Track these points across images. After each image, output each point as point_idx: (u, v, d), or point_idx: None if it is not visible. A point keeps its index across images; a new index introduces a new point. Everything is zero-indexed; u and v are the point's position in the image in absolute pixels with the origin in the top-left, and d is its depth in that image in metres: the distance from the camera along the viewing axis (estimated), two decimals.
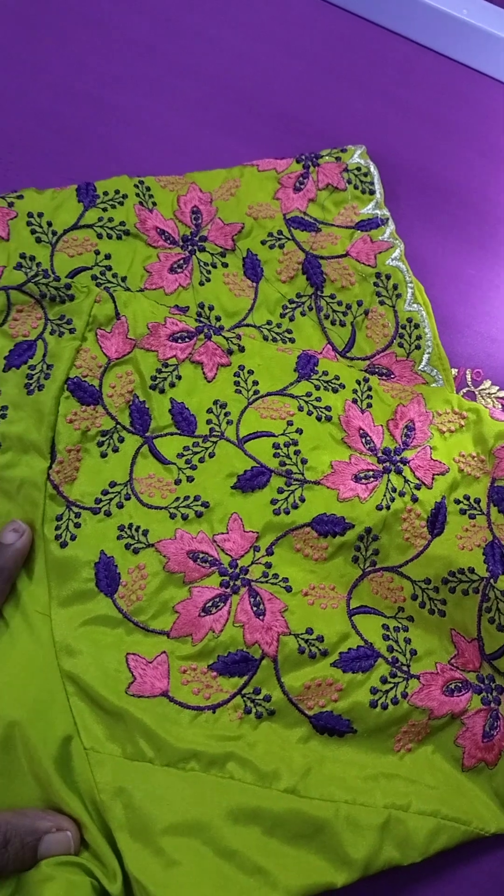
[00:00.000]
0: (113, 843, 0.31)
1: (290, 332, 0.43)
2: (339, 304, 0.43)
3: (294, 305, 0.44)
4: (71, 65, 0.50)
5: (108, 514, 0.37)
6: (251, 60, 0.52)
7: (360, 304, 0.43)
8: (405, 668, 0.35)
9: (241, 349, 0.41)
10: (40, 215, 0.43)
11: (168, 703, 0.33)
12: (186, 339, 0.40)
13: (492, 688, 0.35)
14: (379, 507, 0.38)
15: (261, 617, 0.35)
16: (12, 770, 0.32)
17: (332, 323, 0.43)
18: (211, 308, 0.43)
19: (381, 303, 0.44)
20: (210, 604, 0.35)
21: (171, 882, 0.29)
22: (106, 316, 0.39)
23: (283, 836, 0.31)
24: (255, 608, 0.35)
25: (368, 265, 0.44)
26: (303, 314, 0.43)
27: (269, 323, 0.43)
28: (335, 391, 0.40)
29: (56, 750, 0.32)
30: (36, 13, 0.51)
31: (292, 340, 0.42)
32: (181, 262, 0.43)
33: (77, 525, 0.36)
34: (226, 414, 0.39)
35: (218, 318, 0.42)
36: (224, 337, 0.41)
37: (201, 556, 0.36)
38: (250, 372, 0.40)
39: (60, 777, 0.32)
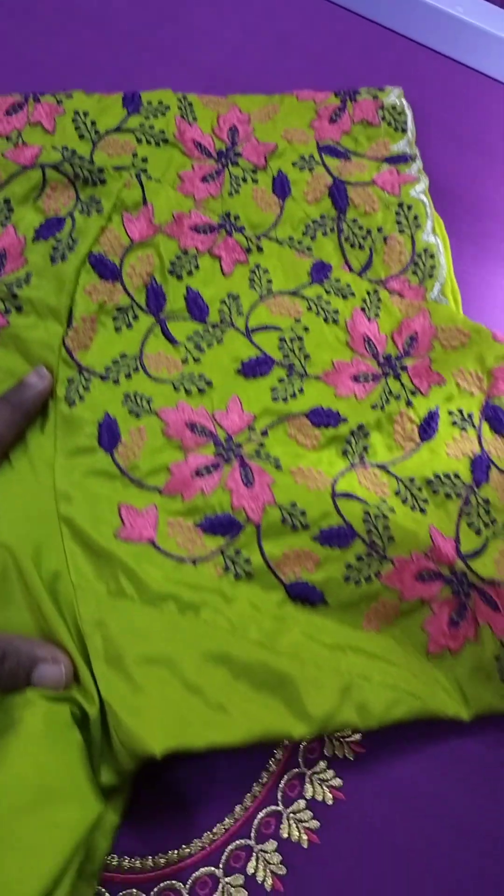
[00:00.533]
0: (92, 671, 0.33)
1: (309, 249, 0.45)
2: (360, 228, 0.45)
3: (317, 225, 0.45)
4: (63, 57, 0.51)
5: (115, 381, 0.39)
6: (245, 54, 0.53)
7: (380, 230, 0.45)
8: (381, 551, 0.36)
9: (260, 249, 0.42)
10: (86, 114, 0.45)
11: (153, 550, 0.35)
12: (208, 233, 0.42)
13: (463, 581, 0.37)
14: (374, 407, 0.39)
15: (249, 486, 0.36)
16: (8, 595, 0.34)
17: (352, 245, 0.45)
18: (236, 218, 0.44)
19: (401, 231, 0.45)
20: (203, 469, 0.37)
21: (137, 705, 0.31)
22: (133, 201, 0.41)
23: (248, 682, 0.33)
24: (244, 479, 0.37)
25: (392, 194, 0.46)
26: (324, 234, 0.45)
27: (290, 238, 0.45)
28: (345, 297, 0.42)
29: (48, 584, 0.34)
30: (30, 6, 0.52)
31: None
32: (214, 173, 0.45)
33: (86, 388, 0.38)
34: (238, 306, 0.41)
35: (242, 228, 0.44)
36: (245, 236, 0.42)
37: (199, 427, 0.38)
38: (265, 271, 0.42)
39: (52, 605, 0.33)
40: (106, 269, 0.40)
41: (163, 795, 0.35)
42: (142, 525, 0.35)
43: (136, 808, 0.34)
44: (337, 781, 0.35)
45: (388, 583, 0.36)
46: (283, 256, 0.43)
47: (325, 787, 0.35)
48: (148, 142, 0.45)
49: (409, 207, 0.46)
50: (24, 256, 0.40)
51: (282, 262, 0.42)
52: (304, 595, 0.35)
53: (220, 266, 0.42)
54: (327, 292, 0.42)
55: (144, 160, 0.44)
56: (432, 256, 0.45)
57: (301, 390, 0.39)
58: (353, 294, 0.42)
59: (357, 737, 0.36)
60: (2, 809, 0.27)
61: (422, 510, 0.38)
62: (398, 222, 0.45)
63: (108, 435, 0.37)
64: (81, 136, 0.44)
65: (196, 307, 0.41)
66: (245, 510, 0.36)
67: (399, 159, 0.47)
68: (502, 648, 0.36)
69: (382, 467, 0.39)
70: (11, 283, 0.39)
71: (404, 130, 0.48)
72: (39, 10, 0.53)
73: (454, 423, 0.40)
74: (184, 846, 0.34)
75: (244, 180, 0.46)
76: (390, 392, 0.40)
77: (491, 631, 0.36)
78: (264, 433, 0.38)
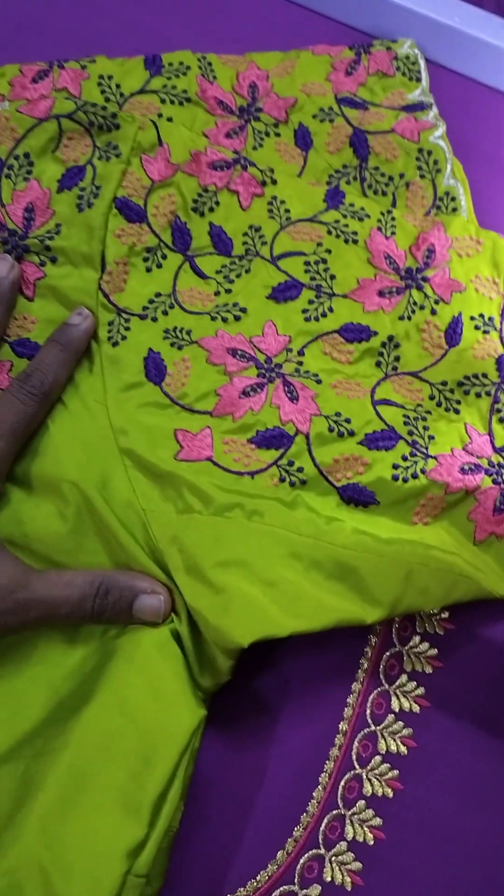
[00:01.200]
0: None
1: None
2: (382, 175, 0.47)
3: (339, 175, 0.47)
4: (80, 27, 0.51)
5: (154, 319, 0.40)
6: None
7: (402, 176, 0.46)
8: (424, 449, 0.38)
9: (274, 182, 0.44)
10: (110, 77, 0.46)
11: (213, 466, 0.37)
12: (224, 168, 0.43)
13: (502, 472, 0.39)
14: (401, 318, 0.41)
15: (294, 401, 0.38)
16: (83, 531, 0.36)
17: (375, 192, 0.46)
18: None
19: (422, 176, 0.47)
20: (249, 388, 0.39)
21: (220, 604, 0.34)
22: (150, 142, 0.42)
23: (318, 573, 0.35)
24: (288, 395, 0.39)
25: (412, 141, 0.47)
26: (347, 183, 0.46)
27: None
28: (361, 220, 0.44)
29: (120, 514, 0.36)
30: None
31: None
32: (237, 129, 0.46)
33: (127, 328, 0.40)
34: (260, 237, 0.43)
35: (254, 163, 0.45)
36: (259, 169, 0.44)
37: (240, 352, 0.40)
38: (282, 202, 0.44)
39: (127, 534, 0.36)
40: (132, 212, 0.41)
41: (205, 843, 0.35)
42: (199, 445, 0.37)
43: (179, 856, 0.34)
44: (377, 821, 0.36)
45: (434, 477, 0.38)
46: (297, 186, 0.44)
47: (365, 828, 0.36)
48: (171, 101, 0.46)
49: (429, 153, 0.47)
50: (52, 208, 0.41)
51: (297, 191, 0.44)
52: (357, 496, 0.38)
53: (238, 200, 0.43)
54: (344, 216, 0.43)
55: (170, 119, 0.46)
56: (454, 199, 0.47)
57: (331, 309, 0.41)
58: (368, 216, 0.44)
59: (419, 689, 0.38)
60: (134, 721, 0.30)
61: (456, 411, 0.40)
62: (419, 167, 0.47)
63: (155, 369, 0.39)
64: (108, 100, 0.46)
65: (221, 242, 0.42)
66: (294, 423, 0.38)
67: (416, 107, 0.48)
68: None
69: (415, 375, 0.41)
70: (43, 236, 0.41)
71: (419, 80, 0.49)
72: None
73: (476, 328, 0.42)
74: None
75: (267, 134, 0.47)
76: (415, 303, 0.42)
77: None
78: (301, 352, 0.40)
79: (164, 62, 0.47)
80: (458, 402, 0.41)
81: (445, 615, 0.39)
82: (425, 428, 0.39)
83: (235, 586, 0.34)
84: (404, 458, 0.38)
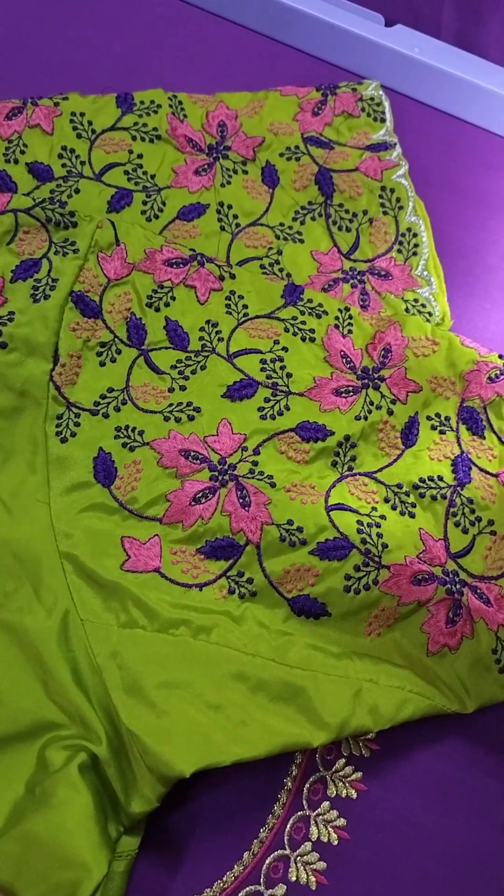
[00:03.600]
0: (99, 709, 0.34)
1: (300, 233, 0.47)
2: (347, 212, 0.48)
3: (305, 211, 0.48)
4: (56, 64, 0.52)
5: (105, 415, 0.40)
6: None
7: (365, 212, 0.48)
8: (377, 559, 0.38)
9: (233, 276, 0.44)
10: (82, 115, 0.47)
11: (160, 578, 0.36)
12: (181, 266, 0.43)
13: (455, 581, 0.38)
14: (357, 418, 0.41)
15: (246, 508, 0.38)
16: (6, 645, 0.35)
17: (339, 228, 0.48)
18: (230, 207, 0.47)
19: (385, 213, 0.48)
20: (200, 494, 0.38)
21: (163, 730, 0.32)
22: (107, 241, 0.42)
23: (265, 696, 0.34)
24: (241, 500, 0.38)
25: (375, 179, 0.48)
26: (313, 219, 0.48)
27: (281, 224, 0.47)
28: (318, 317, 0.43)
29: (57, 624, 0.35)
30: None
31: (301, 241, 0.46)
32: (206, 166, 0.47)
33: (77, 424, 0.39)
34: (217, 332, 0.42)
35: (235, 216, 0.46)
36: (216, 265, 0.44)
37: (192, 453, 0.39)
38: (240, 297, 0.43)
39: (57, 647, 0.34)
40: (87, 307, 0.41)
41: (171, 846, 0.35)
42: (146, 555, 0.36)
43: (145, 860, 0.34)
44: (341, 821, 0.36)
45: (386, 589, 0.37)
46: (255, 282, 0.44)
47: (329, 828, 0.36)
48: (142, 138, 0.47)
49: (392, 191, 0.49)
50: (4, 296, 0.41)
51: (255, 286, 0.44)
52: (308, 608, 0.37)
53: (196, 295, 0.43)
54: (301, 313, 0.43)
55: (140, 156, 0.47)
56: (415, 235, 0.48)
57: (287, 407, 0.41)
58: (325, 313, 0.44)
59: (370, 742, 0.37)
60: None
61: (411, 514, 0.40)
62: (382, 205, 0.48)
63: (104, 470, 0.38)
64: (79, 136, 0.47)
65: (176, 336, 0.42)
66: (244, 532, 0.37)
67: (380, 147, 0.50)
68: (497, 641, 0.37)
69: (370, 476, 0.40)
70: None
71: (383, 120, 0.51)
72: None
73: (433, 428, 0.42)
74: None
75: (235, 172, 0.48)
76: (371, 403, 0.41)
77: (485, 625, 0.37)
78: (256, 451, 0.40)
79: (136, 100, 0.48)
80: (414, 506, 0.40)
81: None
82: (379, 535, 0.38)
83: (178, 710, 0.33)
84: (357, 569, 0.37)
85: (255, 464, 0.39)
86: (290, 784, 0.37)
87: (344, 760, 0.37)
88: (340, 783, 0.37)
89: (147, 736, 0.32)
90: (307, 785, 0.37)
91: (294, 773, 0.37)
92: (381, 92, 0.52)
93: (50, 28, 0.53)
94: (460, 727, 0.39)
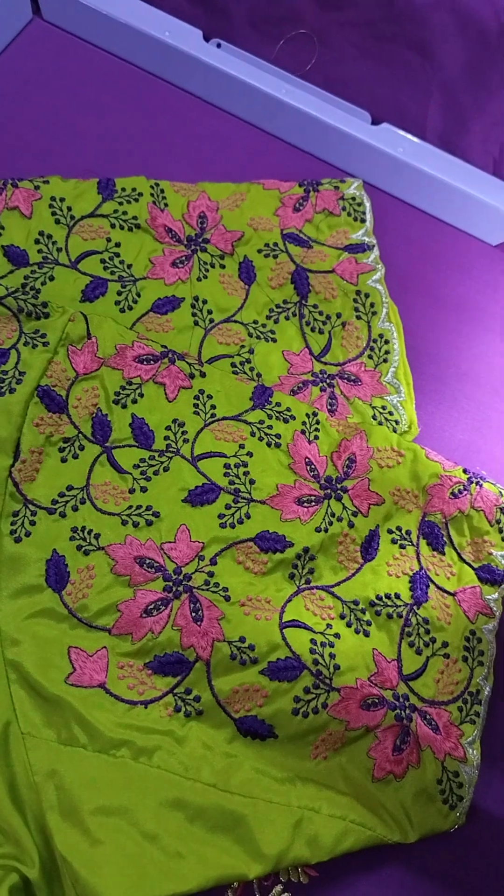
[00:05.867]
0: (34, 829, 0.33)
1: (273, 332, 0.47)
2: (321, 313, 0.48)
3: (280, 310, 0.48)
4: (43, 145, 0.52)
5: (62, 515, 0.39)
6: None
7: (339, 315, 0.48)
8: (328, 681, 0.37)
9: (203, 375, 0.44)
10: (62, 200, 0.47)
11: (104, 694, 0.35)
12: (151, 362, 0.43)
13: (405, 706, 0.38)
14: (318, 530, 0.41)
15: (198, 622, 0.37)
16: None
17: (312, 329, 0.48)
18: (204, 302, 0.47)
19: (358, 317, 0.48)
20: (152, 606, 0.37)
21: (95, 859, 0.31)
22: (78, 335, 0.42)
23: (203, 825, 0.33)
24: (193, 614, 0.37)
25: (351, 283, 0.49)
26: (287, 318, 0.48)
27: (255, 322, 0.47)
28: (286, 421, 0.44)
29: None
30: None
31: (274, 340, 0.47)
32: (183, 258, 0.47)
33: (32, 523, 0.39)
34: (183, 433, 0.42)
35: (210, 312, 0.46)
36: (187, 362, 0.44)
37: (148, 561, 0.38)
38: (209, 396, 0.43)
39: None
40: (53, 402, 0.40)
41: None
42: (92, 669, 0.36)
43: None
44: None
45: (334, 713, 0.37)
46: (225, 381, 0.44)
47: None
48: (121, 227, 0.47)
49: (367, 295, 0.49)
50: None
51: (224, 386, 0.44)
52: (254, 730, 0.36)
53: (165, 392, 0.43)
54: (269, 416, 0.43)
55: (118, 245, 0.47)
56: (387, 342, 0.48)
57: (248, 515, 0.40)
58: (293, 417, 0.44)
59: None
60: None
61: (365, 633, 0.40)
62: (356, 309, 0.49)
63: (57, 574, 0.38)
64: (57, 222, 0.46)
65: (142, 434, 0.42)
66: (195, 648, 0.37)
67: (357, 248, 0.50)
68: (443, 771, 0.37)
69: (327, 590, 0.40)
70: None
71: (363, 220, 0.52)
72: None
73: (393, 541, 0.42)
74: None
75: (212, 266, 0.48)
76: (333, 514, 0.41)
77: (432, 754, 0.37)
78: (213, 561, 0.39)
79: (118, 187, 0.48)
80: (369, 624, 0.40)
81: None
82: (332, 655, 0.38)
83: (113, 839, 0.32)
84: (307, 691, 0.37)
85: (212, 574, 0.39)
86: None
87: (281, 887, 0.36)
88: None
89: (79, 864, 0.31)
90: None
91: None
92: (362, 192, 0.52)
93: (35, 108, 0.54)
94: (400, 857, 0.38)
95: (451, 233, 0.57)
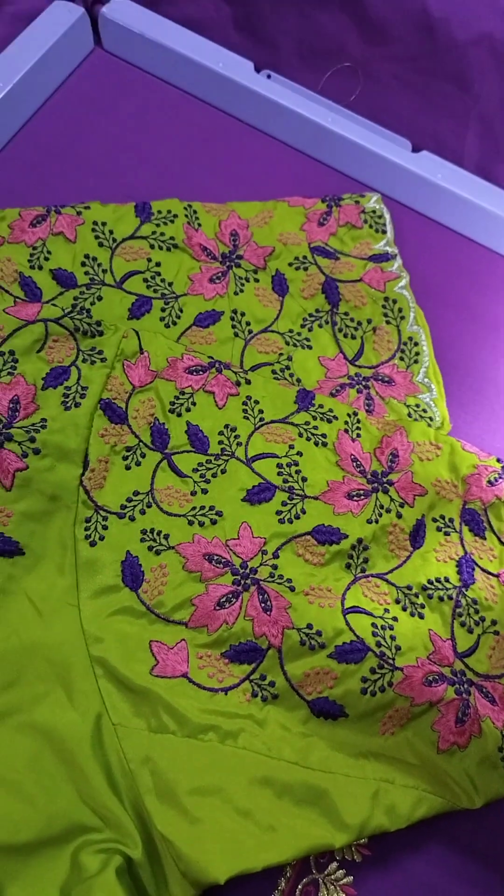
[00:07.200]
0: (132, 813, 0.35)
1: (308, 339, 0.50)
2: (352, 320, 0.51)
3: (313, 318, 0.51)
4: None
5: (132, 518, 0.41)
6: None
7: (369, 321, 0.51)
8: (391, 661, 0.40)
9: (248, 382, 0.46)
10: (104, 224, 0.50)
11: (188, 683, 0.37)
12: (200, 372, 0.46)
13: (463, 681, 0.41)
14: (369, 521, 0.43)
15: (268, 612, 0.40)
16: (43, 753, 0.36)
17: (345, 336, 0.51)
18: (242, 314, 0.50)
19: (388, 322, 0.51)
20: (224, 599, 0.40)
21: (197, 837, 0.33)
22: (132, 350, 0.45)
23: (290, 800, 0.35)
24: (263, 604, 0.40)
25: (379, 290, 0.52)
26: (320, 326, 0.51)
27: (290, 331, 0.50)
28: (329, 421, 0.46)
29: (90, 727, 0.36)
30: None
31: (310, 347, 0.50)
32: (220, 274, 0.50)
33: (105, 527, 0.41)
34: (236, 437, 0.45)
35: (248, 323, 0.49)
36: (233, 371, 0.46)
37: (216, 557, 0.41)
38: (256, 402, 0.46)
39: (91, 751, 0.35)
40: (114, 414, 0.43)
41: None
42: (174, 660, 0.38)
43: None
44: (348, 879, 0.38)
45: (399, 690, 0.39)
46: (269, 387, 0.47)
47: (339, 889, 0.38)
48: (160, 247, 0.50)
49: (394, 301, 0.52)
50: (36, 403, 0.42)
51: (269, 392, 0.46)
52: (326, 710, 0.39)
53: (215, 400, 0.45)
54: (314, 418, 0.46)
55: (158, 264, 0.50)
56: (416, 344, 0.51)
57: (303, 511, 0.43)
58: (336, 417, 0.46)
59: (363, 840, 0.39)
60: None
61: (420, 615, 0.42)
62: (385, 314, 0.52)
63: (132, 574, 0.40)
64: (101, 244, 0.49)
65: (197, 440, 0.44)
66: (266, 636, 0.39)
67: (381, 258, 0.54)
68: (502, 738, 0.40)
69: (382, 577, 0.43)
70: (28, 428, 0.42)
71: (384, 232, 0.55)
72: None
73: (438, 529, 0.45)
74: None
75: (247, 280, 0.51)
76: (381, 506, 0.44)
77: (492, 723, 0.40)
78: (275, 555, 0.42)
79: (154, 209, 0.51)
80: (423, 607, 0.42)
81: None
82: (392, 637, 0.40)
83: (210, 817, 0.34)
84: (372, 671, 0.39)
85: (275, 567, 0.41)
86: (283, 884, 0.38)
87: (336, 864, 0.39)
88: (332, 886, 0.38)
89: (181, 843, 0.33)
90: (300, 886, 0.38)
91: (288, 874, 0.38)
92: (382, 205, 0.56)
93: (97, 133, 0.57)
94: (446, 837, 0.40)
95: (487, 255, 0.60)
